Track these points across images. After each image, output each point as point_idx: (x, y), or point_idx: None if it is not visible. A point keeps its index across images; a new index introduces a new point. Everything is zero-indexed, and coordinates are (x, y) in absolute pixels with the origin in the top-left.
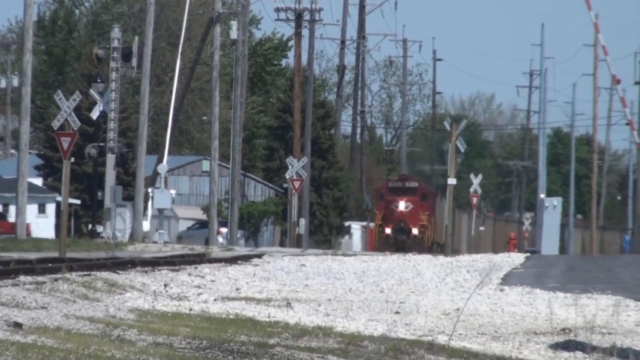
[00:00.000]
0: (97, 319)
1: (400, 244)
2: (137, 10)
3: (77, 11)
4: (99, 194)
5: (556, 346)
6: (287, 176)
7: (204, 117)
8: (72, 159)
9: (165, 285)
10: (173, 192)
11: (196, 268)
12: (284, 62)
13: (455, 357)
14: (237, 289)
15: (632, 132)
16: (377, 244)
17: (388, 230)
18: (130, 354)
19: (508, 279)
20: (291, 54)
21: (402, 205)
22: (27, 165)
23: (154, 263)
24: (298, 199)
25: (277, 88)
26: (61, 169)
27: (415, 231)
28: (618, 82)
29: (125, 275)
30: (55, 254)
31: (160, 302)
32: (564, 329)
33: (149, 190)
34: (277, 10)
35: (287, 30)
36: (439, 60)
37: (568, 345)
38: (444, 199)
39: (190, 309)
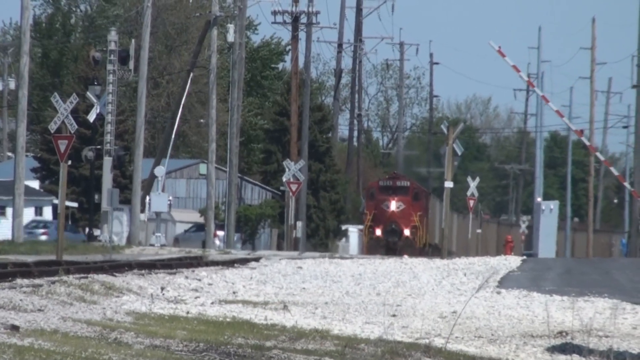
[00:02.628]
0: (94, 321)
1: (391, 245)
2: (134, 14)
3: (73, 15)
4: (96, 196)
5: (553, 349)
6: (284, 179)
7: (201, 120)
8: (69, 162)
9: (162, 288)
10: (171, 198)
11: (193, 271)
12: (280, 65)
13: None
14: (234, 292)
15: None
16: (367, 245)
17: (378, 231)
18: (127, 356)
19: (505, 282)
20: (288, 57)
21: (393, 205)
22: (24, 167)
23: (151, 266)
24: (295, 202)
25: (274, 92)
26: (58, 171)
27: (406, 232)
28: (581, 133)
29: (123, 278)
30: (53, 257)
31: (157, 305)
32: (560, 332)
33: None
34: (274, 13)
35: (285, 33)
36: (436, 63)
37: (565, 348)
38: (437, 199)
39: (187, 312)
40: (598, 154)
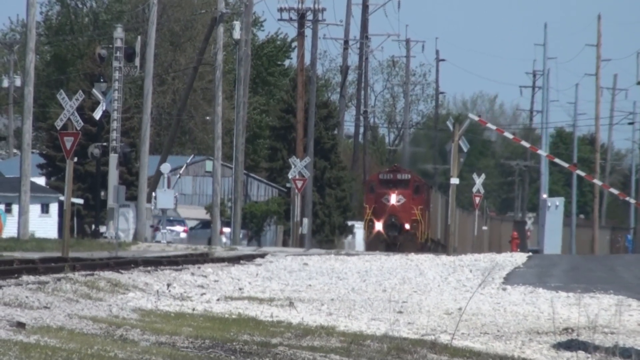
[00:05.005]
0: (100, 318)
1: (391, 240)
2: (140, 11)
3: (80, 12)
4: (102, 193)
5: (559, 346)
6: (290, 176)
7: (207, 117)
8: (75, 159)
9: (168, 285)
10: (177, 195)
11: (199, 268)
12: (287, 62)
13: (457, 357)
14: (240, 289)
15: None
16: (366, 240)
17: (378, 226)
18: (133, 353)
19: (510, 279)
20: (294, 54)
21: (393, 199)
22: (30, 164)
23: (157, 263)
24: (301, 198)
25: (279, 89)
26: (64, 168)
27: (407, 227)
28: (574, 167)
29: (128, 275)
30: (58, 254)
31: (163, 301)
32: (566, 329)
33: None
34: (280, 10)
35: (290, 30)
36: (442, 60)
37: (570, 345)
38: (439, 193)
39: (193, 309)
40: (596, 180)
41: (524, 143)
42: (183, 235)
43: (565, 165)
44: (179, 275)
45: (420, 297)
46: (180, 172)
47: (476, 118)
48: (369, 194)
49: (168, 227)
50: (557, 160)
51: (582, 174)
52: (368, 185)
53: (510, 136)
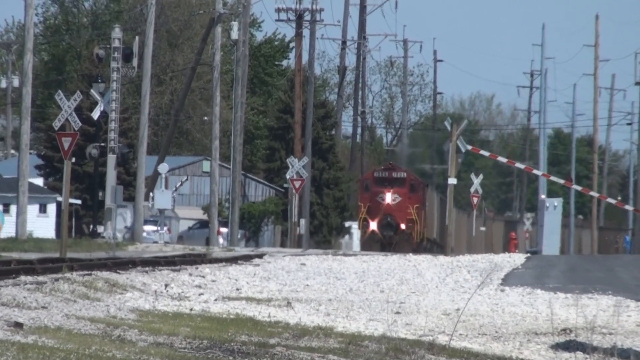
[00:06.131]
0: (98, 319)
1: (386, 240)
2: (138, 11)
3: (76, 11)
4: (100, 194)
5: (557, 346)
6: (288, 176)
7: (205, 118)
8: (73, 159)
9: (166, 285)
10: (174, 195)
11: (197, 268)
12: (284, 62)
13: (455, 357)
14: (238, 289)
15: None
16: (361, 240)
17: (373, 225)
18: (131, 354)
19: (509, 279)
20: (292, 54)
21: (388, 198)
22: (27, 165)
23: (155, 263)
24: (298, 199)
25: (277, 89)
26: (62, 169)
27: (403, 226)
28: (570, 182)
29: (126, 275)
30: (56, 254)
31: (161, 302)
32: (564, 330)
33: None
34: (278, 10)
35: (288, 30)
36: (440, 60)
37: (569, 346)
38: (434, 191)
39: (191, 309)
40: (592, 192)
41: (519, 164)
42: (167, 236)
43: (561, 181)
44: (177, 275)
45: (418, 297)
46: (177, 185)
47: (469, 147)
48: (363, 193)
49: (152, 227)
50: (552, 177)
51: (579, 188)
52: (363, 184)
53: (505, 160)
